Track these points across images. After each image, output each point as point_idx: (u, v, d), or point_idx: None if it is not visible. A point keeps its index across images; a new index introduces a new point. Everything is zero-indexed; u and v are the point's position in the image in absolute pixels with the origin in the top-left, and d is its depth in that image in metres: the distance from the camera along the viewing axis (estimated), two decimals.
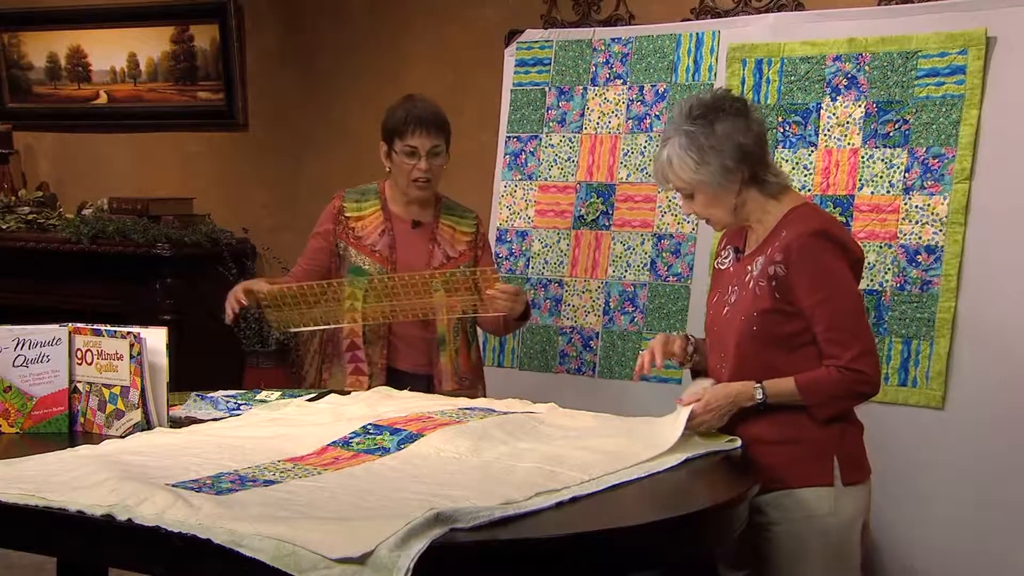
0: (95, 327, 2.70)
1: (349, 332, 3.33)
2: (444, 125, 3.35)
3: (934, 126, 3.42)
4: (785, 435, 2.54)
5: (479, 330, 3.54)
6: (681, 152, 2.55)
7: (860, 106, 3.55)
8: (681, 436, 2.48)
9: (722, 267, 2.73)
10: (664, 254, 3.88)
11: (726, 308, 2.63)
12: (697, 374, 2.78)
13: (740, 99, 2.64)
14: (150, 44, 5.64)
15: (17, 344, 2.66)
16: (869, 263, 3.38)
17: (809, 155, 3.61)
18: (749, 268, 2.59)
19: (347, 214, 3.42)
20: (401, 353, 3.35)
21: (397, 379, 3.27)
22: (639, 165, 3.95)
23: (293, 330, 3.33)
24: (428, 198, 3.40)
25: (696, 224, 3.81)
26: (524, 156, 4.19)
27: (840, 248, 2.54)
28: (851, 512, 2.55)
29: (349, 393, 3.05)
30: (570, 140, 4.08)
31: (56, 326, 2.72)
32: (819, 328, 2.51)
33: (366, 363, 3.32)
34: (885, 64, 3.52)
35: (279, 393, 3.05)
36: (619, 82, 4.03)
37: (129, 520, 1.94)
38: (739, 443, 2.54)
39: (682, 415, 2.52)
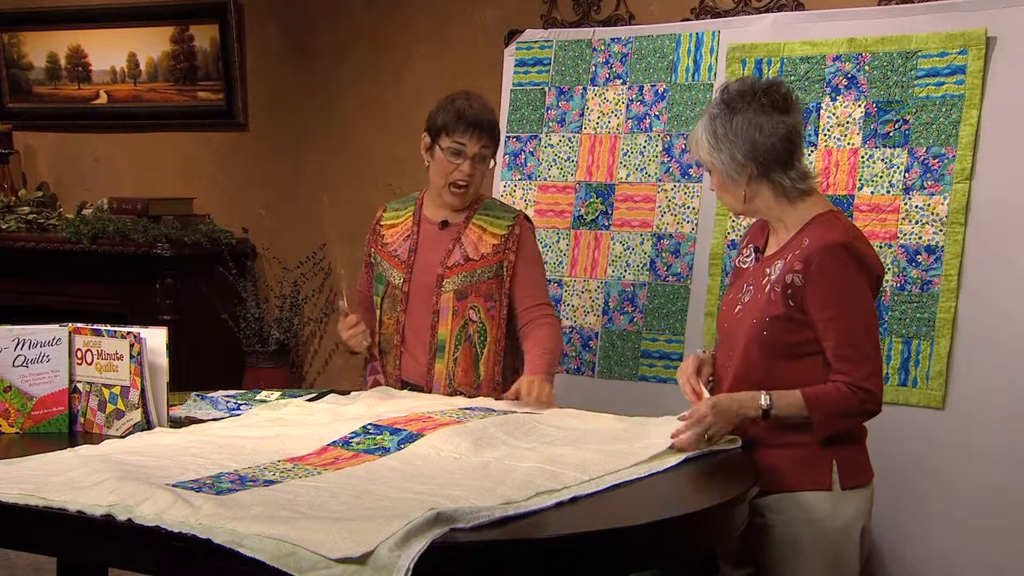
0: (95, 327, 2.70)
1: (371, 344, 3.21)
2: (497, 131, 3.19)
3: (934, 126, 3.42)
4: (785, 438, 2.53)
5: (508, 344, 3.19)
6: (702, 131, 2.59)
7: (860, 106, 3.55)
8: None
9: (744, 266, 2.73)
10: (664, 254, 3.88)
11: (738, 307, 2.63)
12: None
13: (782, 94, 2.58)
14: (150, 44, 5.63)
15: (17, 344, 2.66)
16: None
17: (809, 155, 3.61)
18: (767, 271, 2.58)
19: (383, 223, 3.30)
20: (409, 363, 3.18)
21: (409, 390, 3.13)
22: (639, 165, 3.95)
23: None
24: (463, 205, 3.20)
25: (696, 224, 3.81)
26: (524, 156, 4.19)
27: (860, 264, 2.51)
28: (850, 516, 2.54)
29: (349, 393, 3.05)
30: (570, 140, 4.08)
31: (56, 326, 2.72)
32: (829, 343, 2.49)
33: (382, 374, 3.20)
34: (885, 64, 3.52)
35: (279, 393, 3.05)
36: (619, 82, 4.03)
37: (129, 520, 1.94)
38: (739, 442, 2.54)
39: (671, 424, 2.52)
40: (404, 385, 3.16)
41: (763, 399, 2.50)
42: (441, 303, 3.12)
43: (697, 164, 3.69)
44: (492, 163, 3.22)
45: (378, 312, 3.23)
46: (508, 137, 4.22)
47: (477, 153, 3.12)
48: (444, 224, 3.20)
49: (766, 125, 2.53)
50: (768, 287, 2.55)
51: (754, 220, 2.76)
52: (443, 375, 3.11)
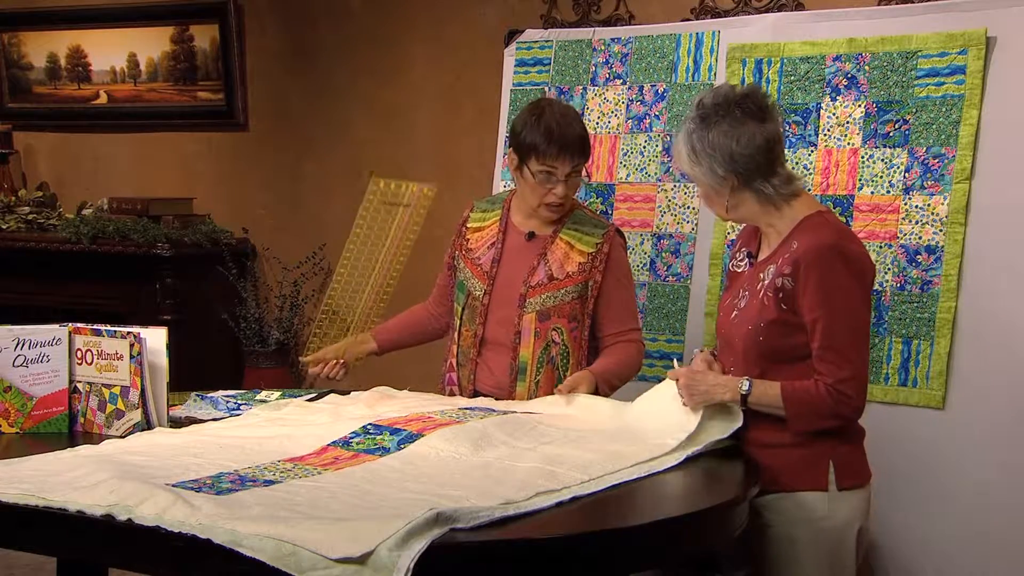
0: (95, 327, 2.70)
1: (447, 353, 3.16)
2: (588, 143, 3.02)
3: (934, 126, 3.42)
4: (781, 438, 2.53)
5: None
6: (682, 143, 2.60)
7: (860, 106, 3.55)
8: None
9: (738, 270, 2.73)
10: (664, 254, 3.88)
11: (734, 312, 2.63)
12: None
13: (760, 102, 2.56)
14: (150, 44, 5.64)
15: (17, 344, 2.66)
16: None
17: (809, 155, 3.61)
18: (761, 276, 2.59)
19: (469, 224, 3.19)
20: (485, 375, 3.07)
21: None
22: (639, 165, 3.95)
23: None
24: (559, 217, 3.07)
25: (696, 224, 3.81)
26: None
27: (850, 265, 2.50)
28: (846, 516, 2.55)
29: (349, 393, 3.05)
30: None
31: (56, 326, 2.72)
32: (815, 344, 2.49)
33: (457, 386, 3.11)
34: (885, 64, 3.52)
35: (279, 393, 3.06)
36: (619, 82, 4.02)
37: (129, 520, 1.94)
38: (739, 423, 2.55)
39: (690, 410, 2.56)
40: (477, 395, 3.07)
41: (743, 384, 2.52)
42: (523, 324, 3.02)
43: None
44: (586, 174, 3.09)
45: (457, 322, 3.13)
46: (509, 137, 4.21)
47: (569, 173, 2.99)
48: (531, 236, 3.08)
49: (742, 136, 2.52)
50: (762, 292, 2.56)
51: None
52: (524, 398, 3.00)
